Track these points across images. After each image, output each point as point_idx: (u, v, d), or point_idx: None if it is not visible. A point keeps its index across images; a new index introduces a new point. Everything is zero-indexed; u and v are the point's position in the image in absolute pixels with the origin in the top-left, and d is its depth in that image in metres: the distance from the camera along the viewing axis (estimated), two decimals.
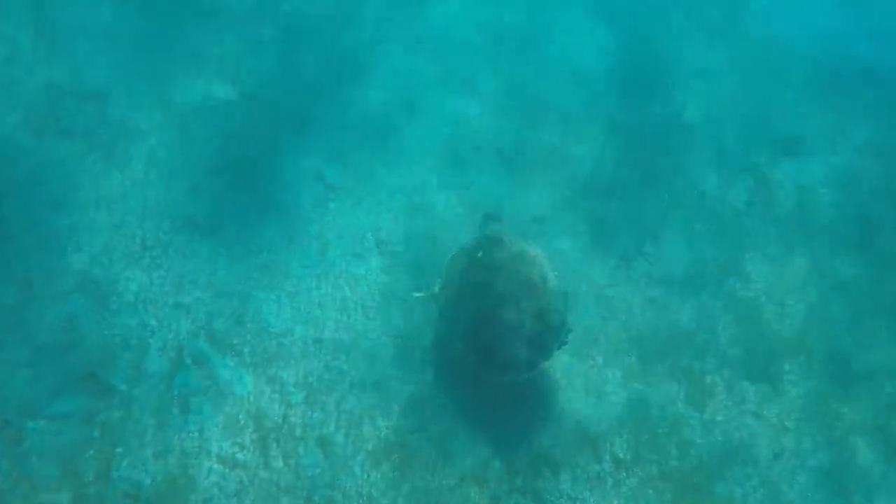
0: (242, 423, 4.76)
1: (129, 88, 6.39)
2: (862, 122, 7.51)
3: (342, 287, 5.47)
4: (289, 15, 7.26)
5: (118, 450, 4.58)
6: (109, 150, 5.96)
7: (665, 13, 8.34)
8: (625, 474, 4.88)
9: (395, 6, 7.64)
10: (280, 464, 4.66)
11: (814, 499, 4.98)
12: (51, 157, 5.82)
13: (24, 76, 6.32)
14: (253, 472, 4.63)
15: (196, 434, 4.69)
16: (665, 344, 5.53)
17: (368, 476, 4.70)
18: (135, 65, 6.62)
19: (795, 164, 7.01)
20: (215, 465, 4.62)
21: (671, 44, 8.04)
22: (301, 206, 5.92)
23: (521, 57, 7.47)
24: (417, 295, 5.27)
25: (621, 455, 4.94)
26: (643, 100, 7.37)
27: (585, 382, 5.25)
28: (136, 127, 6.16)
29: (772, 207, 6.58)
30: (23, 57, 6.44)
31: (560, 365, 5.28)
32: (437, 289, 4.97)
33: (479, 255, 4.91)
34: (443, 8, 7.73)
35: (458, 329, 4.78)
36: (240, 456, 4.66)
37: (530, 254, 4.95)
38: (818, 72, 7.99)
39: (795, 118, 7.46)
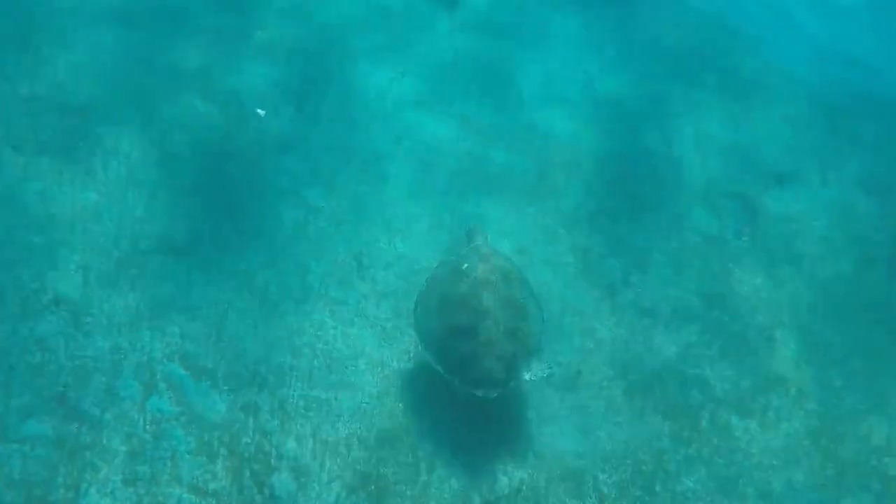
0: (215, 449, 4.62)
1: (112, 104, 6.33)
2: (855, 155, 7.52)
3: (321, 311, 5.37)
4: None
5: (87, 475, 4.44)
6: (89, 168, 5.88)
7: (655, 42, 8.39)
8: None
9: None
10: (254, 493, 4.52)
11: None
12: (29, 173, 5.74)
13: (6, 88, 6.27)
14: (225, 502, 4.49)
15: (168, 461, 4.54)
16: (650, 377, 5.42)
17: None
18: (119, 80, 6.57)
19: (786, 196, 6.97)
20: (185, 494, 4.46)
21: (659, 75, 8.09)
22: (281, 227, 5.83)
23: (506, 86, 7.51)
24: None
25: (605, 491, 4.80)
26: (632, 132, 7.38)
27: (568, 415, 5.12)
28: (116, 145, 6.08)
29: (761, 240, 6.52)
30: (6, 68, 6.38)
31: (542, 397, 5.16)
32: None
33: (465, 266, 4.93)
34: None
35: (435, 340, 4.74)
36: (212, 485, 4.50)
37: (515, 273, 5.01)
38: (811, 102, 8.01)
39: (787, 150, 7.44)
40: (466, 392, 4.69)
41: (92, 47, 6.82)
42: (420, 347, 4.96)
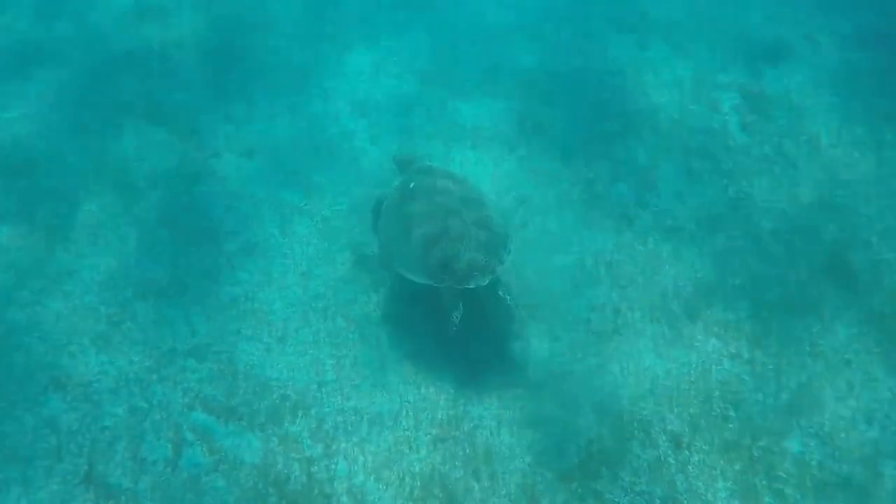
0: (263, 492, 4.33)
1: (57, 155, 5.89)
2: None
3: (334, 318, 5.03)
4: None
5: None
6: (50, 227, 5.45)
7: None
8: (687, 453, 4.46)
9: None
10: None
11: None
12: None
13: None
14: None
15: None
16: (692, 299, 5.12)
17: None
18: (60, 128, 6.13)
19: (781, 72, 6.59)
20: None
21: None
22: (268, 239, 5.46)
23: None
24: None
25: (677, 431, 4.53)
26: (609, 32, 6.99)
27: (619, 360, 4.83)
28: (73, 196, 5.65)
29: (767, 124, 6.17)
30: None
31: (588, 347, 4.87)
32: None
33: (412, 185, 5.04)
34: None
35: (412, 259, 4.75)
36: None
37: (458, 175, 5.21)
38: None
39: (771, 22, 7.05)
40: (459, 290, 4.68)
41: (23, 100, 6.36)
42: (401, 275, 4.81)
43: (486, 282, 4.65)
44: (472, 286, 4.65)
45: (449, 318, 4.72)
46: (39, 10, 7.31)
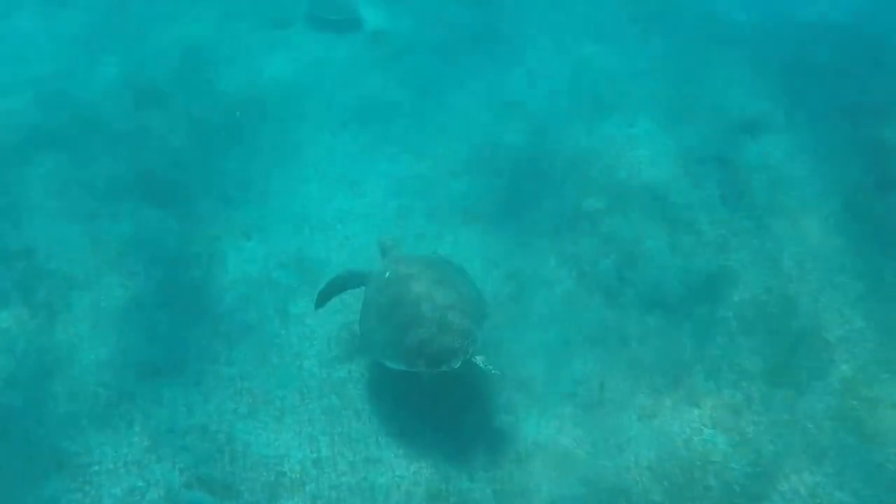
0: None
1: (54, 237, 6.10)
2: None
3: (328, 396, 5.16)
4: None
5: None
6: (51, 310, 5.62)
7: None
8: None
9: None
10: None
11: None
12: None
13: None
14: None
15: None
16: (673, 371, 5.25)
17: None
18: (59, 208, 6.36)
19: (760, 145, 6.91)
20: None
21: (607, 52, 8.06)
22: (263, 320, 5.62)
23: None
24: None
25: (660, 501, 4.62)
26: (595, 110, 7.33)
27: (602, 434, 4.93)
28: (71, 276, 5.84)
29: (746, 196, 6.43)
30: None
31: (574, 420, 4.99)
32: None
33: (387, 275, 5.16)
34: None
35: (388, 346, 4.86)
36: None
37: (433, 258, 5.39)
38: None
39: (750, 97, 7.41)
40: (433, 373, 4.79)
41: (16, 186, 6.60)
42: (380, 362, 4.93)
43: (459, 364, 4.75)
44: (444, 369, 4.76)
45: (424, 385, 4.94)
46: (39, 94, 7.62)
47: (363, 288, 5.32)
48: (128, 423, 5.02)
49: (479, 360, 4.82)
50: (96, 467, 4.80)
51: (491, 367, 4.84)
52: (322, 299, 5.40)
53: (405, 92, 7.82)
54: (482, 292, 5.25)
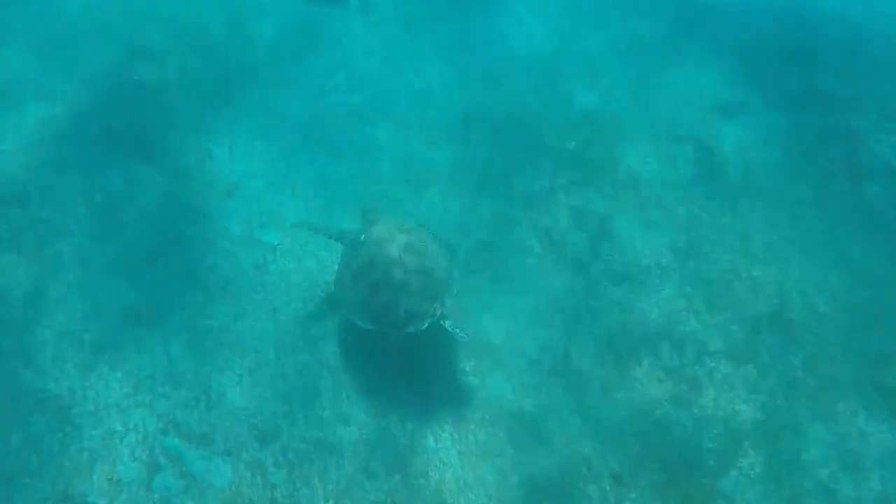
0: None
1: (48, 185, 6.22)
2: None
3: (302, 352, 5.35)
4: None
5: None
6: (40, 256, 5.78)
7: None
8: (625, 490, 4.78)
9: None
10: None
11: None
12: None
13: None
14: None
15: None
16: (638, 345, 5.44)
17: None
18: (53, 159, 6.46)
19: (734, 126, 6.99)
20: None
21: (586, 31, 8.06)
22: (243, 276, 5.77)
23: None
24: None
25: (618, 469, 4.84)
26: (574, 82, 7.35)
27: (566, 401, 5.13)
28: (62, 226, 5.98)
29: (719, 176, 6.55)
30: None
31: (534, 390, 5.18)
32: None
33: (362, 238, 5.37)
34: None
35: (358, 305, 5.08)
36: None
37: (407, 225, 5.45)
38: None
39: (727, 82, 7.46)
40: (399, 334, 5.01)
41: (18, 134, 6.70)
42: (351, 320, 5.14)
43: (425, 326, 4.99)
44: (410, 331, 4.99)
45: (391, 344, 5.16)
46: (36, 47, 7.66)
47: (341, 247, 5.49)
48: (110, 368, 5.20)
49: (447, 323, 5.01)
50: (77, 409, 5.00)
51: (459, 330, 5.02)
52: (300, 226, 5.83)
53: (386, 62, 7.88)
54: (454, 259, 5.41)
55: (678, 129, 7.02)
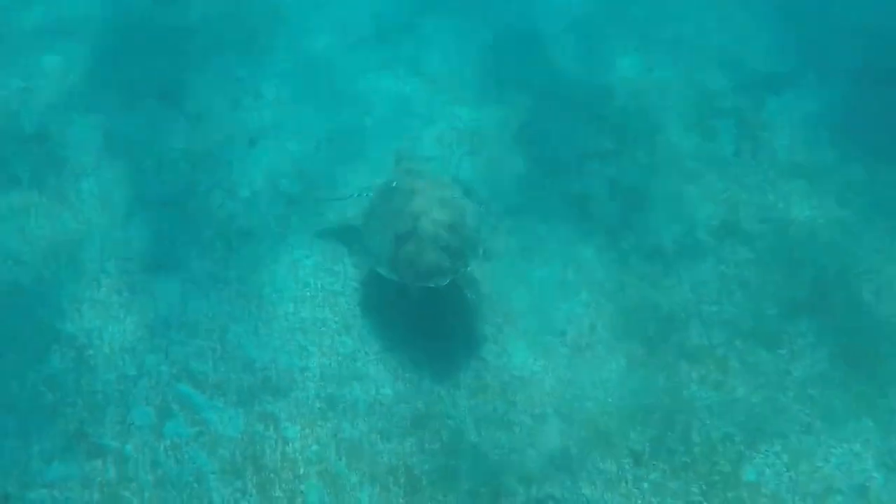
0: (240, 466, 4.57)
1: (69, 124, 6.16)
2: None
3: (321, 307, 5.24)
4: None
5: None
6: (61, 194, 5.73)
7: None
8: (645, 470, 4.63)
9: None
10: None
11: None
12: (3, 210, 5.60)
13: None
14: None
15: (195, 484, 4.51)
16: (667, 322, 5.26)
17: None
18: (74, 99, 6.40)
19: (782, 101, 6.69)
20: None
21: None
22: (263, 226, 5.67)
23: None
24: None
25: (638, 449, 4.71)
26: (607, 59, 7.12)
27: (590, 376, 5.00)
28: (82, 164, 5.91)
29: (763, 153, 6.28)
30: None
31: (560, 360, 5.05)
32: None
33: (394, 184, 5.32)
34: None
35: (383, 253, 5.02)
36: (242, 503, 4.51)
37: (441, 178, 5.44)
38: None
39: (774, 52, 7.13)
40: (420, 288, 4.96)
41: (33, 69, 6.64)
42: (374, 268, 5.11)
43: (446, 282, 4.93)
44: (432, 285, 4.93)
45: (409, 297, 5.07)
46: None
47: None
48: (126, 311, 5.15)
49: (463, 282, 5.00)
50: (92, 351, 4.96)
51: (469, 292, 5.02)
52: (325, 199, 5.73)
53: (418, 16, 7.62)
54: (484, 218, 5.31)
55: (722, 101, 6.75)
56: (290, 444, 4.65)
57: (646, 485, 4.58)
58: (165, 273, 5.36)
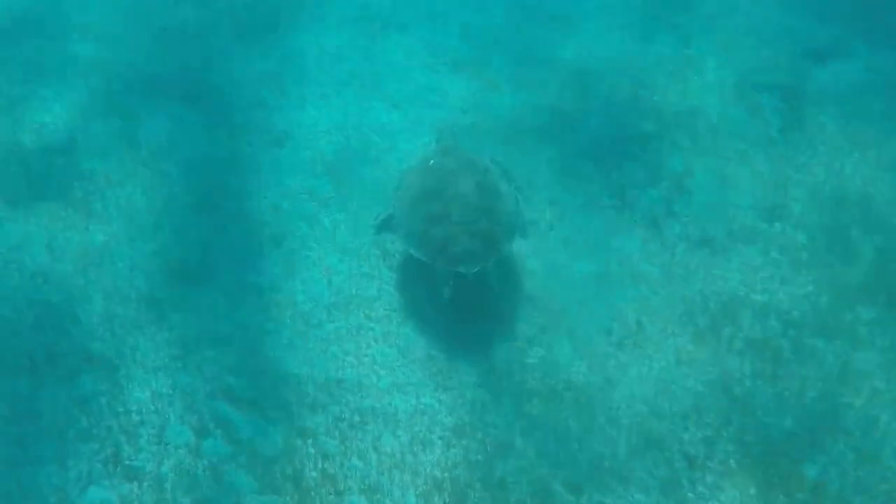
0: (280, 485, 4.43)
1: (94, 133, 6.01)
2: None
3: (356, 314, 5.08)
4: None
5: None
6: (88, 208, 5.59)
7: None
8: (700, 472, 4.43)
9: None
10: None
11: None
12: (31, 226, 5.48)
13: None
14: None
15: None
16: (718, 314, 5.01)
17: None
18: (96, 105, 6.25)
19: (829, 71, 6.33)
20: None
21: None
22: (295, 231, 5.50)
23: None
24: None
25: (692, 451, 4.49)
26: (644, 37, 6.80)
27: (639, 373, 4.78)
28: (108, 176, 5.76)
29: (812, 128, 5.95)
30: None
31: (608, 358, 4.84)
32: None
33: (431, 163, 5.20)
34: None
35: (414, 233, 4.92)
36: None
37: (482, 162, 5.25)
38: None
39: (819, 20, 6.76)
40: (450, 271, 4.85)
41: (59, 78, 6.48)
42: (405, 247, 5.03)
43: (477, 269, 4.79)
44: (462, 271, 4.80)
45: (440, 291, 4.92)
46: None
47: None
48: (158, 327, 5.00)
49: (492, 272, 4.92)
50: (124, 371, 4.83)
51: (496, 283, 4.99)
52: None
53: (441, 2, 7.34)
54: (520, 205, 5.21)
55: (765, 75, 6.40)
56: (330, 460, 4.49)
57: (701, 488, 4.36)
58: (196, 285, 5.21)
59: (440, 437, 4.57)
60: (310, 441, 4.57)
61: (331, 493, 4.39)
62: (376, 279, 5.23)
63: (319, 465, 4.48)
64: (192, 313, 5.08)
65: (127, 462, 4.49)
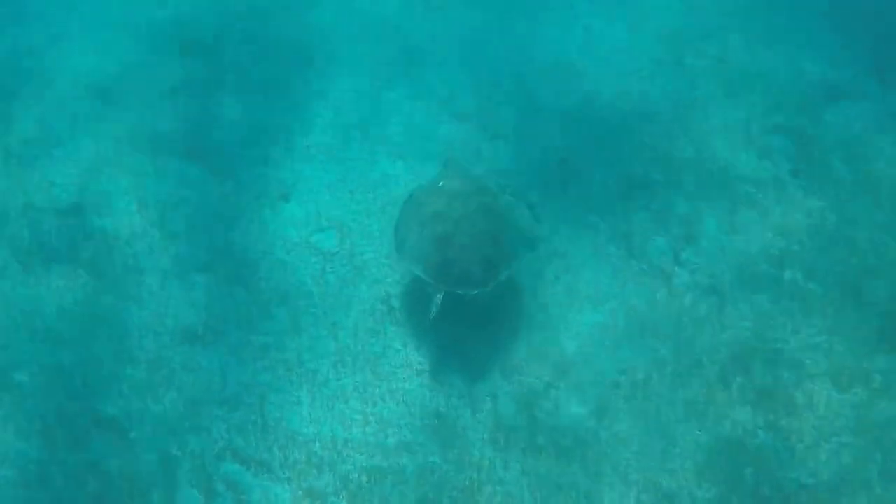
0: None
1: (101, 193, 6.07)
2: None
3: (363, 371, 5.05)
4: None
5: None
6: (96, 268, 5.62)
7: None
8: None
9: None
10: None
11: None
12: (42, 289, 5.52)
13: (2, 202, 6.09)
14: None
15: None
16: (727, 363, 4.93)
17: None
18: (106, 162, 6.31)
19: (841, 112, 6.25)
20: None
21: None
22: (300, 287, 5.49)
23: None
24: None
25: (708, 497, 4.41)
26: (650, 80, 6.76)
27: (647, 428, 4.71)
28: (116, 235, 5.82)
29: (823, 169, 5.87)
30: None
31: (616, 413, 4.76)
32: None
33: (440, 184, 5.27)
34: None
35: (418, 252, 4.96)
36: None
37: (491, 186, 5.39)
38: None
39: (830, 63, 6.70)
40: (450, 292, 4.88)
41: (70, 135, 6.56)
42: (405, 263, 5.07)
43: (476, 292, 4.85)
44: (461, 293, 4.87)
45: (429, 309, 4.92)
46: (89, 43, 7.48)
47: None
48: (166, 389, 5.02)
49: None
50: (134, 434, 4.85)
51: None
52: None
53: (448, 45, 7.31)
54: (527, 238, 5.42)
55: (774, 117, 6.30)
56: None
57: None
58: (203, 345, 5.21)
59: (448, 496, 4.52)
60: (318, 502, 4.54)
61: None
62: (381, 335, 5.19)
63: None
64: (199, 373, 5.09)
65: None
